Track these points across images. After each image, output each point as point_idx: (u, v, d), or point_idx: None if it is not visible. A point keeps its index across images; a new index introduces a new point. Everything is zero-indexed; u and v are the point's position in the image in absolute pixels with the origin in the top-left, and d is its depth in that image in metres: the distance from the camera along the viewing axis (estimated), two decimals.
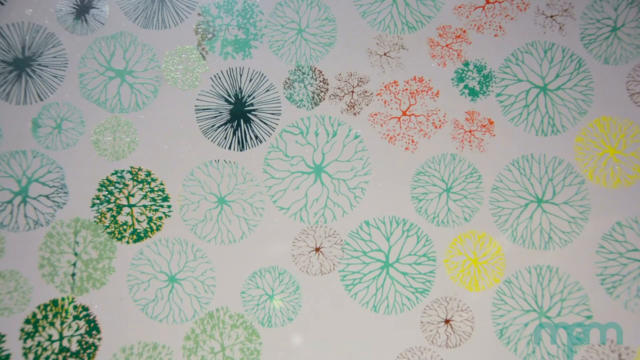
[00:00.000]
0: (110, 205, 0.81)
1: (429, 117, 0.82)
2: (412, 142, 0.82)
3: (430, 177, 0.82)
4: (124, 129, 0.82)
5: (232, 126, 0.83)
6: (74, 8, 0.84)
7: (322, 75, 0.83)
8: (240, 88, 0.83)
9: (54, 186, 0.81)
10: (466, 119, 0.82)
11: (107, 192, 0.81)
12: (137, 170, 0.82)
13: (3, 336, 0.80)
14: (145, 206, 0.81)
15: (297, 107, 0.83)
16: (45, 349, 0.79)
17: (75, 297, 0.80)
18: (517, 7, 0.84)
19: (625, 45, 0.82)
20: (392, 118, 0.83)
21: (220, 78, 0.83)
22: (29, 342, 0.79)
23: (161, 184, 0.82)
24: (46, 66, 0.83)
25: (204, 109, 0.83)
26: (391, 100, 0.83)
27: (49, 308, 0.80)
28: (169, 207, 0.81)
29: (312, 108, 0.83)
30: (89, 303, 0.80)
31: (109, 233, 0.81)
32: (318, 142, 0.82)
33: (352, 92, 0.83)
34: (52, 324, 0.80)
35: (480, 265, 0.80)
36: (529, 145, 0.82)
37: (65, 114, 0.83)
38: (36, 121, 0.82)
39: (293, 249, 0.81)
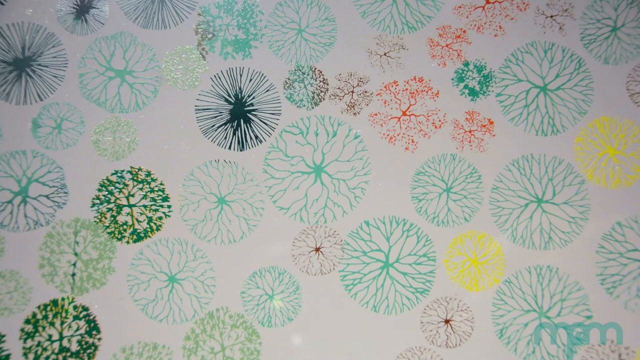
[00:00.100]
0: (110, 205, 0.81)
1: (429, 117, 0.82)
2: (412, 142, 0.82)
3: (430, 177, 0.82)
4: (124, 129, 0.82)
5: (232, 126, 0.83)
6: (74, 8, 0.84)
7: (322, 75, 0.83)
8: (240, 88, 0.83)
9: (54, 186, 0.81)
10: (466, 119, 0.82)
11: (107, 192, 0.81)
12: (137, 170, 0.82)
13: (3, 336, 0.80)
14: (145, 206, 0.81)
15: (297, 107, 0.83)
16: (45, 349, 0.79)
17: (75, 297, 0.80)
18: (517, 7, 0.84)
19: (625, 45, 0.82)
20: (392, 118, 0.83)
21: (220, 78, 0.83)
22: (29, 342, 0.79)
23: (161, 184, 0.82)
24: (46, 66, 0.83)
25: (204, 109, 0.83)
26: (391, 100, 0.83)
27: (49, 308, 0.80)
28: (169, 207, 0.81)
29: (312, 108, 0.83)
30: (89, 303, 0.80)
31: (109, 233, 0.81)
32: (318, 142, 0.82)
33: (352, 92, 0.83)
34: (52, 324, 0.80)
35: (480, 265, 0.80)
36: (529, 145, 0.82)
37: (65, 114, 0.83)
38: (36, 121, 0.82)
39: (293, 249, 0.81)
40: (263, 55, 0.83)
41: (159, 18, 0.84)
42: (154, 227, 0.81)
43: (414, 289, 0.80)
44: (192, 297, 0.80)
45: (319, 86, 0.83)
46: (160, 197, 0.81)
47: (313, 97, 0.83)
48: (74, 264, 0.80)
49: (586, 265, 0.80)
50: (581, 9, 0.83)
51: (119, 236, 0.81)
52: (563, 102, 0.82)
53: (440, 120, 0.82)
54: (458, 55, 0.83)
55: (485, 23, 0.83)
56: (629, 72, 0.82)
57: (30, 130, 0.82)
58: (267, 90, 0.83)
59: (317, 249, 0.81)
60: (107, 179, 0.82)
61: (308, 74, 0.83)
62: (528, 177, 0.81)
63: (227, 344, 0.80)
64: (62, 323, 0.80)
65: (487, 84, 0.83)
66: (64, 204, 0.81)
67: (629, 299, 0.79)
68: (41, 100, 0.83)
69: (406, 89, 0.83)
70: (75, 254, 0.81)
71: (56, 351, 0.79)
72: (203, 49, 0.83)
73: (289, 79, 0.83)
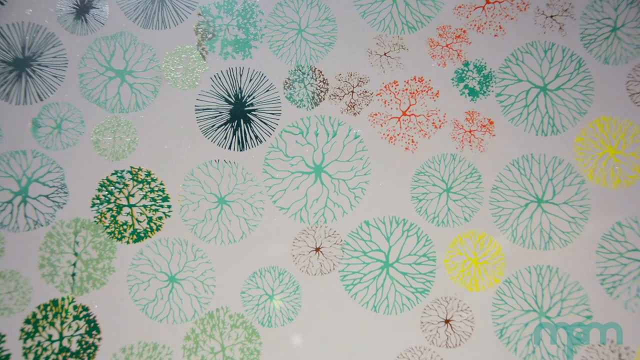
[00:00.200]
0: (110, 205, 0.81)
1: (429, 117, 0.82)
2: (412, 142, 0.82)
3: (430, 177, 0.82)
4: (124, 129, 0.82)
5: (232, 126, 0.83)
6: (74, 8, 0.84)
7: (322, 75, 0.83)
8: (240, 88, 0.83)
9: (54, 186, 0.81)
10: (466, 119, 0.82)
11: (107, 192, 0.81)
12: (137, 170, 0.82)
13: (3, 336, 0.80)
14: (145, 206, 0.81)
15: (297, 107, 0.83)
16: (45, 349, 0.79)
17: (75, 297, 0.80)
18: (517, 7, 0.84)
19: (625, 45, 0.82)
20: (392, 118, 0.83)
21: (220, 78, 0.83)
22: (29, 342, 0.79)
23: (161, 184, 0.82)
24: (46, 66, 0.83)
25: (204, 109, 0.83)
26: (391, 100, 0.83)
27: (49, 308, 0.80)
28: (169, 207, 0.81)
29: (312, 108, 0.83)
30: (89, 303, 0.80)
31: (109, 233, 0.81)
32: (318, 142, 0.82)
33: (352, 92, 0.83)
34: (52, 324, 0.80)
35: (480, 265, 0.80)
36: (529, 145, 0.82)
37: (65, 114, 0.83)
38: (36, 121, 0.82)
39: (293, 249, 0.81)
40: (263, 55, 0.83)
41: (159, 18, 0.84)
42: (154, 227, 0.81)
43: (414, 289, 0.80)
44: (192, 297, 0.80)
45: (319, 86, 0.83)
46: (160, 197, 0.81)
47: (313, 97, 0.83)
48: (74, 264, 0.80)
49: (586, 265, 0.80)
50: (581, 9, 0.83)
51: (119, 236, 0.81)
52: (563, 102, 0.82)
53: (440, 120, 0.82)
54: (458, 55, 0.83)
55: (485, 23, 0.83)
56: (629, 72, 0.82)
57: (30, 130, 0.82)
58: (267, 90, 0.83)
59: (317, 249, 0.81)
60: (107, 179, 0.82)
61: (308, 74, 0.83)
62: (528, 177, 0.81)
63: (227, 344, 0.80)
64: (62, 323, 0.80)
65: (487, 84, 0.83)
66: (64, 204, 0.81)
67: (629, 299, 0.79)
68: (41, 100, 0.83)
69: (406, 89, 0.83)
70: (75, 254, 0.81)
71: (56, 351, 0.79)
72: (203, 49, 0.83)
73: (289, 79, 0.83)
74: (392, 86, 0.83)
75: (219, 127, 0.82)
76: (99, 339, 0.79)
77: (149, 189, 0.82)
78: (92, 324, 0.80)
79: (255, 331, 0.80)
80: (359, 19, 0.84)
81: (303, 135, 0.82)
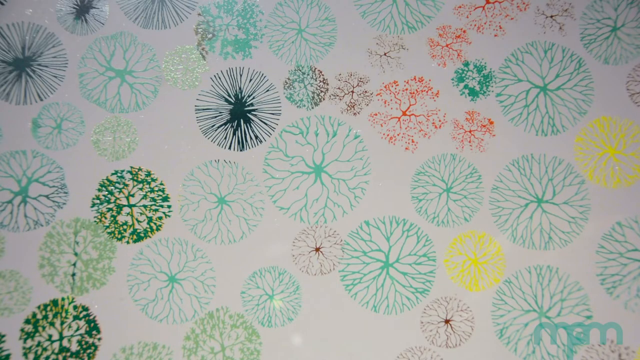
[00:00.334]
0: (110, 205, 0.81)
1: (429, 117, 0.82)
2: (412, 142, 0.82)
3: (430, 177, 0.82)
4: (124, 129, 0.82)
5: (232, 126, 0.83)
6: (74, 8, 0.84)
7: (322, 75, 0.83)
8: (240, 88, 0.83)
9: (54, 186, 0.82)
10: (466, 119, 0.82)
11: (107, 192, 0.81)
12: (137, 170, 0.82)
13: (3, 336, 0.80)
14: (145, 206, 0.81)
15: (297, 107, 0.83)
16: (45, 349, 0.79)
17: (75, 297, 0.80)
18: (517, 7, 0.84)
19: (625, 45, 0.82)
20: (392, 118, 0.83)
21: (220, 78, 0.83)
22: (29, 342, 0.79)
23: (161, 184, 0.82)
24: (46, 66, 0.83)
25: (204, 109, 0.83)
26: (391, 100, 0.83)
27: (49, 308, 0.80)
28: (169, 207, 0.81)
29: (312, 108, 0.83)
30: (89, 303, 0.80)
31: (109, 233, 0.81)
32: (318, 142, 0.82)
33: (352, 92, 0.83)
34: (52, 324, 0.80)
35: (480, 265, 0.80)
36: (529, 145, 0.82)
37: (65, 114, 0.83)
38: (36, 121, 0.82)
39: (293, 249, 0.81)
40: (263, 55, 0.83)
41: (159, 18, 0.84)
42: (154, 227, 0.81)
43: (414, 289, 0.80)
44: (192, 297, 0.80)
45: (319, 86, 0.83)
46: (160, 197, 0.81)
47: (313, 97, 0.83)
48: (74, 264, 0.80)
49: (586, 265, 0.80)
50: (581, 9, 0.83)
51: (119, 236, 0.81)
52: (563, 102, 0.82)
53: (440, 120, 0.82)
54: (458, 55, 0.83)
55: (485, 23, 0.83)
56: (629, 72, 0.82)
57: (30, 130, 0.82)
58: (267, 90, 0.83)
59: (317, 249, 0.81)
60: (107, 179, 0.82)
61: (308, 74, 0.83)
62: (528, 177, 0.81)
63: (227, 344, 0.80)
64: (62, 323, 0.80)
65: (487, 84, 0.83)
66: (64, 204, 0.81)
67: (629, 299, 0.79)
68: (41, 100, 0.83)
69: (406, 89, 0.83)
70: (75, 254, 0.81)
71: (56, 351, 0.79)
72: (203, 49, 0.83)
73: (289, 79, 0.83)
74: (392, 86, 0.83)
75: (219, 127, 0.82)
76: (99, 339, 0.79)
77: (149, 189, 0.82)
78: (92, 324, 0.80)
79: (255, 331, 0.80)
80: (359, 19, 0.84)
81: (303, 135, 0.82)
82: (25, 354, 0.79)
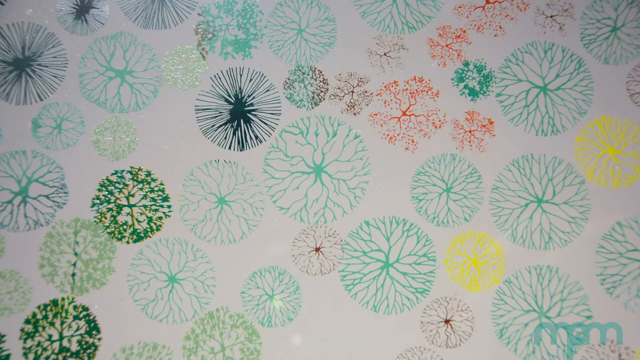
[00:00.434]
0: (110, 205, 0.81)
1: (429, 117, 0.82)
2: (412, 142, 0.82)
3: (430, 177, 0.82)
4: (124, 129, 0.82)
5: (232, 126, 0.83)
6: (74, 8, 0.84)
7: (322, 75, 0.83)
8: (240, 88, 0.83)
9: (54, 186, 0.82)
10: (466, 119, 0.82)
11: (107, 192, 0.81)
12: (137, 170, 0.82)
13: (3, 336, 0.80)
14: (145, 206, 0.81)
15: (297, 107, 0.83)
16: (45, 349, 0.79)
17: (75, 297, 0.80)
18: (517, 7, 0.84)
19: (625, 45, 0.82)
20: (392, 118, 0.83)
21: (220, 78, 0.83)
22: (29, 342, 0.79)
23: (161, 184, 0.82)
24: (46, 66, 0.83)
25: (204, 109, 0.83)
26: (391, 100, 0.83)
27: (49, 308, 0.80)
28: (169, 207, 0.81)
29: (312, 108, 0.83)
30: (89, 303, 0.80)
31: (109, 233, 0.81)
32: (318, 142, 0.82)
33: (352, 92, 0.83)
34: (52, 324, 0.80)
35: (480, 265, 0.80)
36: (529, 145, 0.82)
37: (65, 114, 0.83)
38: (36, 121, 0.82)
39: (293, 249, 0.81)
40: (263, 55, 0.83)
41: (159, 18, 0.84)
42: (154, 227, 0.81)
43: (414, 289, 0.80)
44: (192, 297, 0.80)
45: (319, 86, 0.83)
46: (160, 197, 0.81)
47: (313, 97, 0.83)
48: (74, 264, 0.80)
49: (586, 265, 0.80)
50: (581, 9, 0.83)
51: (119, 236, 0.81)
52: (563, 102, 0.82)
53: (440, 120, 0.82)
54: (458, 55, 0.83)
55: (485, 23, 0.83)
56: (629, 72, 0.82)
57: (30, 130, 0.82)
58: (267, 90, 0.83)
59: (317, 249, 0.81)
60: (107, 179, 0.82)
61: (308, 74, 0.83)
62: (528, 177, 0.81)
63: (227, 344, 0.80)
64: (62, 323, 0.80)
65: (487, 84, 0.83)
66: (64, 204, 0.81)
67: (629, 299, 0.79)
68: (41, 100, 0.83)
69: (406, 89, 0.83)
70: (75, 254, 0.81)
71: (56, 351, 0.79)
72: (203, 49, 0.83)
73: (289, 79, 0.83)
74: (392, 86, 0.83)
75: (219, 127, 0.82)
76: (99, 339, 0.79)
77: (149, 189, 0.82)
78: (92, 324, 0.80)
79: (255, 331, 0.80)
80: (359, 19, 0.84)
81: (303, 135, 0.82)
82: (25, 354, 0.79)
